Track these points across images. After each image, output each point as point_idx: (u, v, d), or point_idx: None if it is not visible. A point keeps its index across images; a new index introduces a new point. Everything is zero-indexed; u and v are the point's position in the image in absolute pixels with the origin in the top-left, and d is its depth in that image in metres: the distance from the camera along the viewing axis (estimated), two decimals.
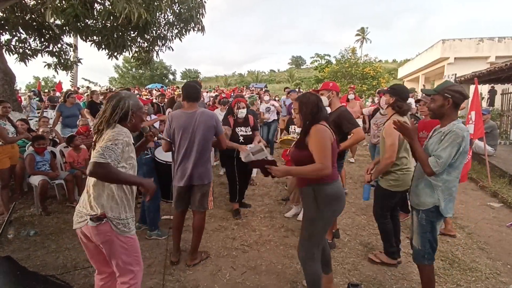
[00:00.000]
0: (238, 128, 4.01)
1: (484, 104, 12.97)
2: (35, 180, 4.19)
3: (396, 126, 2.15)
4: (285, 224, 3.87)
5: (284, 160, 4.10)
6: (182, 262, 3.01)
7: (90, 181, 1.77)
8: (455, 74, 11.73)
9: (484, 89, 12.90)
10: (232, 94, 11.86)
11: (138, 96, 6.57)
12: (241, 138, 3.97)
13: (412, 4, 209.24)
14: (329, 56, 29.34)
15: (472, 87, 6.52)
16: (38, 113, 9.39)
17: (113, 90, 14.96)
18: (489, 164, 5.57)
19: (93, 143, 1.81)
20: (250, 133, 4.00)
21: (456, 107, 2.07)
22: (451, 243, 3.43)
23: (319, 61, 30.03)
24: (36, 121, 6.61)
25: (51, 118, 7.60)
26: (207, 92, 16.65)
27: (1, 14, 5.91)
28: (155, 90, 18.50)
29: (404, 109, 2.77)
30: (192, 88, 2.90)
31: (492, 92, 13.27)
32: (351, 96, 6.92)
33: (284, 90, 9.94)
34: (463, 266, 2.99)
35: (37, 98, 11.31)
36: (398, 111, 2.78)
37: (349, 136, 3.15)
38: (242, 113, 3.96)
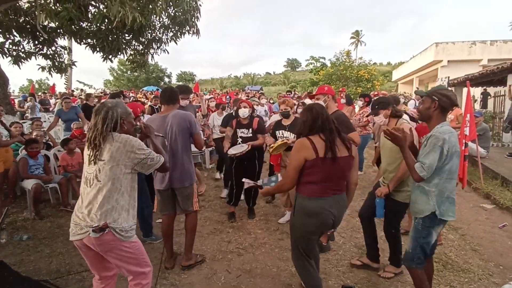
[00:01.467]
0: (239, 129, 4.04)
1: (477, 106, 13.12)
2: (28, 184, 4.15)
3: (387, 135, 2.17)
4: (280, 227, 3.88)
5: (273, 164, 4.10)
6: (177, 265, 3.00)
7: (91, 192, 1.77)
8: (448, 77, 11.91)
9: (477, 91, 13.06)
10: (228, 98, 11.85)
11: (135, 100, 6.58)
12: (239, 139, 3.99)
13: (407, 8, 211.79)
14: (324, 59, 29.55)
15: (465, 90, 6.61)
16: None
17: (108, 93, 14.88)
18: (482, 166, 5.64)
19: (93, 156, 1.77)
20: (250, 135, 3.99)
21: (443, 111, 2.08)
22: (444, 244, 3.46)
23: (314, 64, 30.21)
24: (29, 124, 6.56)
25: (44, 121, 7.54)
26: (203, 95, 16.59)
27: None
28: (149, 93, 18.35)
29: (400, 112, 2.84)
30: (167, 91, 2.91)
31: (485, 95, 13.45)
32: (343, 101, 6.94)
33: (287, 93, 9.69)
34: (456, 267, 3.02)
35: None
36: (400, 115, 2.81)
37: None
38: (243, 111, 3.98)
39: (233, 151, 3.83)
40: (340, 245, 3.44)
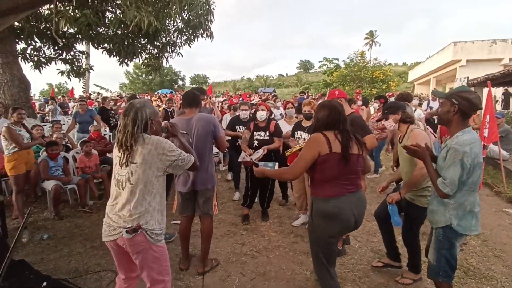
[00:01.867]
0: (256, 132, 4.07)
1: (499, 107, 12.68)
2: (49, 185, 4.28)
3: (407, 150, 2.11)
4: (294, 230, 3.84)
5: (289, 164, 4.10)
6: (191, 267, 3.02)
7: (124, 194, 1.78)
8: (468, 77, 11.53)
9: (498, 91, 12.62)
10: (241, 99, 11.89)
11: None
12: (255, 142, 4.01)
13: (422, 7, 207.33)
14: (338, 60, 29.27)
15: (485, 90, 6.39)
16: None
17: (124, 96, 15.19)
18: (504, 169, 5.42)
19: (124, 159, 1.78)
20: (267, 138, 4.02)
21: (463, 116, 1.93)
22: (465, 250, 3.34)
23: (327, 65, 29.97)
24: (50, 126, 6.76)
25: (63, 124, 7.76)
26: (215, 97, 16.74)
27: (17, 24, 6.10)
28: (162, 96, 18.53)
29: (411, 118, 2.75)
30: (189, 94, 2.94)
31: (507, 95, 12.97)
32: (359, 103, 6.85)
33: (300, 94, 9.65)
34: (478, 274, 2.91)
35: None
36: (409, 121, 2.73)
37: None
38: (261, 114, 4.02)
39: (248, 159, 3.84)
40: (356, 249, 3.38)
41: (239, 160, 3.52)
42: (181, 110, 3.53)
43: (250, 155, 3.85)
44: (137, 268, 1.91)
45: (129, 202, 1.76)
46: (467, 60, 16.90)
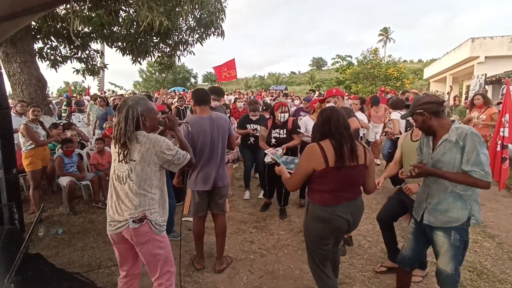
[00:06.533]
0: (274, 130, 4.09)
1: None
2: (64, 181, 4.40)
3: (413, 177, 2.08)
4: (303, 228, 3.83)
5: None
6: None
7: (126, 189, 1.83)
8: (485, 74, 11.20)
9: None
10: (252, 97, 11.88)
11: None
12: (273, 140, 4.04)
13: (438, 2, 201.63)
14: (351, 57, 28.85)
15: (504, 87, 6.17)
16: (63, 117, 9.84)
17: (136, 94, 15.42)
18: None
19: (122, 156, 1.82)
20: (285, 136, 4.03)
21: (438, 114, 1.96)
22: (479, 252, 3.26)
23: (340, 62, 29.58)
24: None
25: (79, 121, 7.95)
26: (227, 95, 16.79)
27: (35, 24, 6.26)
28: (171, 94, 18.49)
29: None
30: (202, 92, 2.96)
31: None
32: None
33: (309, 91, 9.49)
34: (492, 277, 2.83)
35: (65, 103, 11.87)
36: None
37: None
38: (283, 117, 4.03)
39: (269, 158, 3.83)
40: (366, 249, 3.34)
41: (266, 161, 3.45)
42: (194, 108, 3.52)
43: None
44: (139, 263, 1.95)
45: (132, 196, 1.81)
46: (486, 57, 16.34)
